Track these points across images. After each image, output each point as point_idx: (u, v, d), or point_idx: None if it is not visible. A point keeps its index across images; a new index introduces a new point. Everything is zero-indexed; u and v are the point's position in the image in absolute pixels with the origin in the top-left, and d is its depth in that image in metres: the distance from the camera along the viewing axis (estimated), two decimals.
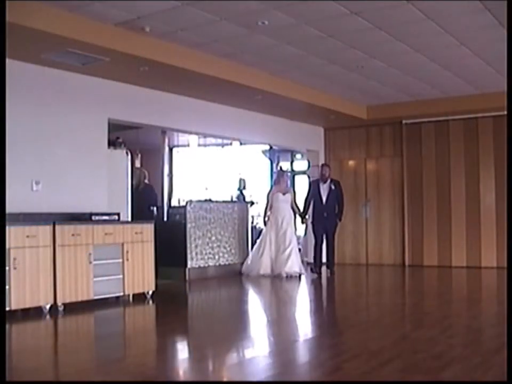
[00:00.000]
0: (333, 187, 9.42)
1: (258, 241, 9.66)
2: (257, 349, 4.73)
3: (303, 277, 9.21)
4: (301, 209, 9.68)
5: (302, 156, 12.96)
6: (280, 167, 12.64)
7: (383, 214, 11.25)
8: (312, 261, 9.75)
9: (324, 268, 9.63)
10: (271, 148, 13.24)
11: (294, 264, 9.27)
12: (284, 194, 9.59)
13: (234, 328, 5.56)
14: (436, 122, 10.67)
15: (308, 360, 4.26)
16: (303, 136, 11.24)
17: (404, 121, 10.91)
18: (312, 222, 9.55)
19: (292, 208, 9.65)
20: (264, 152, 14.25)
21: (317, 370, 3.90)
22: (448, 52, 7.34)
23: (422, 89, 9.36)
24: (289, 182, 10.26)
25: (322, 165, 9.79)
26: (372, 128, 11.30)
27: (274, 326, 5.72)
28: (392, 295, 7.95)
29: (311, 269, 9.56)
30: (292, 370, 3.93)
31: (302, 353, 4.51)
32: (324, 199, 9.38)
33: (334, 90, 9.43)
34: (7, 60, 5.67)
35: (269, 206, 9.63)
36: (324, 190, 9.42)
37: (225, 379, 3.91)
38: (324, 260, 9.68)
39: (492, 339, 4.77)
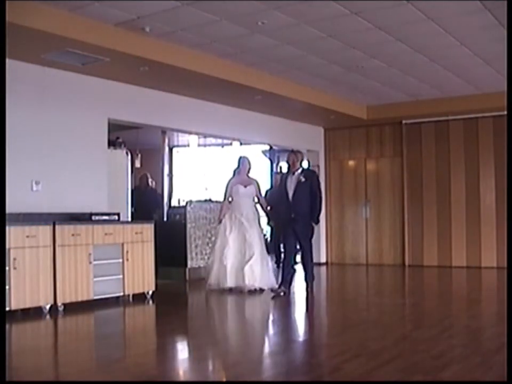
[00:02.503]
0: (302, 179, 7.17)
1: (214, 246, 7.80)
2: (257, 349, 4.73)
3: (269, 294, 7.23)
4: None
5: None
6: (281, 167, 12.50)
7: (383, 214, 11.25)
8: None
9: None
10: (271, 148, 13.24)
11: (257, 276, 7.46)
12: (245, 186, 7.75)
13: (234, 328, 5.56)
14: (436, 122, 10.66)
15: (307, 360, 4.26)
16: (303, 136, 11.24)
17: (403, 121, 10.91)
18: (274, 226, 7.92)
19: (260, 204, 7.96)
20: (264, 152, 14.24)
21: (317, 370, 3.90)
22: (448, 51, 7.34)
23: (422, 89, 9.36)
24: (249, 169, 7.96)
25: (289, 152, 7.59)
26: (372, 128, 11.29)
27: (275, 326, 5.72)
28: (392, 295, 7.95)
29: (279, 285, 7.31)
30: (292, 370, 3.93)
31: (302, 353, 4.50)
32: (290, 194, 7.22)
33: (334, 90, 9.43)
34: (7, 60, 5.68)
35: (227, 201, 7.82)
36: (291, 182, 7.27)
37: (225, 379, 3.91)
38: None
39: (492, 339, 4.77)
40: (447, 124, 10.58)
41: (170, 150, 13.49)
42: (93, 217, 6.64)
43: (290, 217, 7.15)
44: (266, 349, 4.75)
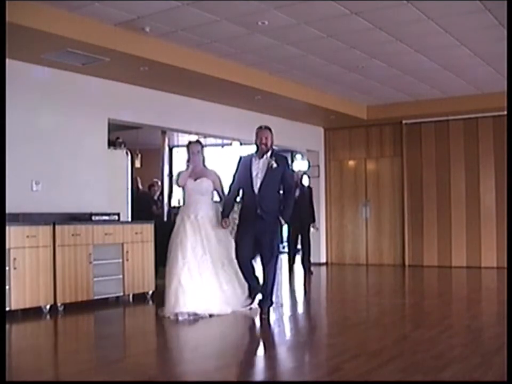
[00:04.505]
0: (274, 164, 5.65)
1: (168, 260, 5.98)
2: (257, 349, 4.73)
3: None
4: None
5: (302, 156, 12.96)
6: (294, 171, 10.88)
7: (383, 214, 11.25)
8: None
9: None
10: None
11: (217, 298, 5.76)
12: (195, 179, 6.03)
13: (234, 328, 5.56)
14: (436, 122, 10.67)
15: (307, 360, 4.26)
16: (303, 136, 11.24)
17: (403, 121, 10.91)
18: (238, 225, 5.88)
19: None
20: None
21: (317, 370, 3.89)
22: (448, 51, 7.34)
23: (422, 89, 9.36)
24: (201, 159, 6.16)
25: (261, 128, 5.92)
26: (372, 128, 11.30)
27: (275, 326, 5.72)
28: (392, 295, 7.94)
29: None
30: (292, 371, 3.93)
31: (302, 354, 4.50)
32: (257, 184, 5.66)
33: (334, 90, 9.43)
34: (7, 60, 5.68)
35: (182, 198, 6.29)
36: (258, 169, 5.70)
37: (225, 379, 3.91)
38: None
39: (492, 339, 4.77)
40: (447, 124, 10.58)
41: (170, 150, 13.50)
42: (93, 217, 6.64)
43: (256, 213, 5.62)
44: (267, 349, 4.74)
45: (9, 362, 3.97)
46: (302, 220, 9.50)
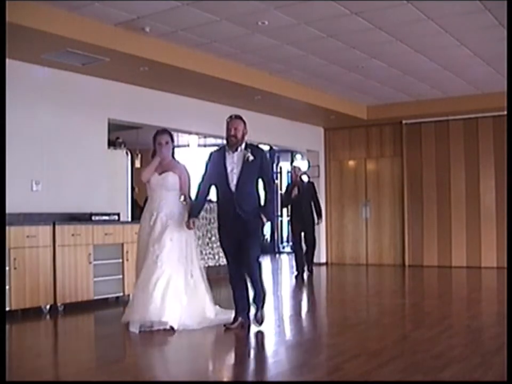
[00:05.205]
0: (250, 157, 5.10)
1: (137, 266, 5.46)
2: (257, 349, 4.73)
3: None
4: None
5: (302, 156, 12.97)
6: (294, 166, 10.21)
7: (383, 214, 11.25)
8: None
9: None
10: (271, 148, 13.24)
11: (177, 310, 5.09)
12: (160, 173, 5.39)
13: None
14: (436, 122, 10.67)
15: (307, 360, 4.26)
16: (303, 136, 11.24)
17: (404, 121, 10.91)
18: (218, 230, 5.27)
19: (185, 201, 5.49)
20: None
21: (317, 370, 3.89)
22: (448, 52, 7.34)
23: (422, 89, 9.36)
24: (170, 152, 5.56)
25: (233, 117, 5.22)
26: (372, 128, 11.30)
27: (275, 326, 5.72)
28: (392, 295, 7.94)
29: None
30: (292, 371, 3.93)
31: (302, 353, 4.50)
32: (233, 180, 5.11)
33: (334, 90, 9.43)
34: (7, 60, 5.68)
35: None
36: (234, 163, 5.15)
37: (225, 379, 3.91)
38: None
39: (492, 339, 4.77)
40: (447, 124, 10.58)
41: None
42: (93, 217, 6.64)
43: (235, 213, 5.07)
44: (267, 349, 4.74)
45: (9, 362, 3.97)
46: (304, 217, 9.34)
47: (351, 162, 11.64)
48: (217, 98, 8.83)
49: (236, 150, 5.13)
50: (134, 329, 4.98)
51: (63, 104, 7.00)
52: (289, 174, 13.69)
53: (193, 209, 5.33)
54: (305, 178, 9.78)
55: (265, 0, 5.64)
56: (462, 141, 10.47)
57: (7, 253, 5.62)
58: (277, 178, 14.60)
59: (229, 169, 5.11)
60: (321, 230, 11.20)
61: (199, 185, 5.34)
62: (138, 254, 5.39)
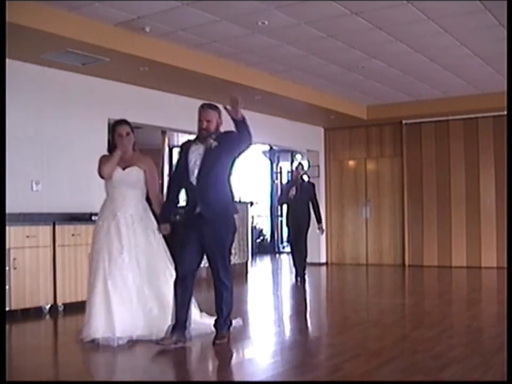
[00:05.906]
0: (213, 143, 4.57)
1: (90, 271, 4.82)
2: (258, 349, 4.73)
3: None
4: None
5: (302, 156, 12.97)
6: (300, 165, 9.45)
7: (383, 214, 11.25)
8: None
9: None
10: (271, 148, 13.26)
11: (141, 319, 4.66)
12: (123, 168, 4.89)
13: (233, 327, 5.55)
14: (436, 122, 10.67)
15: (307, 360, 4.26)
16: (303, 136, 11.24)
17: (404, 121, 10.91)
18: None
19: (149, 199, 4.97)
20: (264, 152, 14.25)
21: (317, 370, 3.89)
22: (448, 52, 7.34)
23: (422, 89, 9.36)
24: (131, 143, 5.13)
25: (200, 107, 5.01)
26: (372, 128, 11.30)
27: (275, 326, 5.72)
28: (392, 295, 7.94)
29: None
30: (292, 371, 3.93)
31: (302, 353, 4.50)
32: (194, 173, 4.47)
33: (334, 90, 9.43)
34: (7, 60, 5.68)
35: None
36: (198, 155, 4.54)
37: (225, 379, 3.91)
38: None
39: (492, 339, 4.77)
40: (447, 124, 10.58)
41: (170, 150, 13.49)
42: (93, 217, 6.62)
43: (195, 212, 4.39)
44: (267, 349, 4.74)
45: (9, 362, 3.97)
46: (299, 219, 8.57)
47: (351, 162, 11.64)
48: (217, 98, 8.80)
49: (204, 141, 4.52)
50: (102, 342, 4.52)
51: (63, 104, 7.00)
52: (290, 172, 13.67)
53: (163, 212, 4.66)
54: (305, 178, 9.73)
55: (265, 0, 5.64)
56: (462, 141, 10.47)
57: (7, 253, 5.63)
58: (276, 178, 14.62)
59: (191, 162, 4.46)
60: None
61: (168, 184, 4.74)
62: (92, 259, 4.75)
